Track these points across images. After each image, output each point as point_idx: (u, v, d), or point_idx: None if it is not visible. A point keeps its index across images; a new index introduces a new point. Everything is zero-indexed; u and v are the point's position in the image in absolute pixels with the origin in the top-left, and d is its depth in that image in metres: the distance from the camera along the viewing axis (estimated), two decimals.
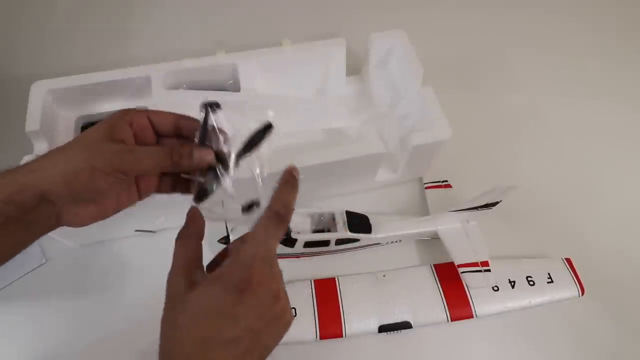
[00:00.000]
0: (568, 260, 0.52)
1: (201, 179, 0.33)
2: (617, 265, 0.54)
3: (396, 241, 0.53)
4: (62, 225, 0.31)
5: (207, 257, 0.54)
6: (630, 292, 0.53)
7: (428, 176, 0.60)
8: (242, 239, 0.32)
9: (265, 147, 0.33)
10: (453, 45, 0.76)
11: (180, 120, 0.33)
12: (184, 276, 0.28)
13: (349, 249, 0.51)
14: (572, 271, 0.51)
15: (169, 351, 0.26)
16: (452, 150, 0.54)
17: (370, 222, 0.51)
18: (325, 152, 0.48)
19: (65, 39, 0.75)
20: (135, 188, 0.34)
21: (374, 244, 0.52)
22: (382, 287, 0.50)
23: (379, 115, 0.58)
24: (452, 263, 0.49)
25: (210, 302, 0.26)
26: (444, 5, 0.81)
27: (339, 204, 0.52)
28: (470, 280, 0.48)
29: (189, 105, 0.35)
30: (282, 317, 0.29)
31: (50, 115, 0.51)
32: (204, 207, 0.33)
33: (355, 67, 0.61)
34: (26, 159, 0.46)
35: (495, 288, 0.50)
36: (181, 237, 0.31)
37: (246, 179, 0.33)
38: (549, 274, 0.51)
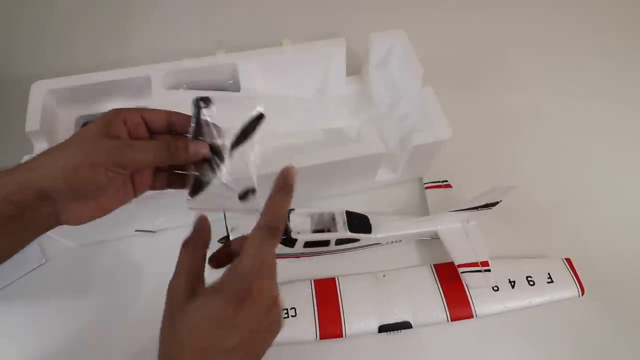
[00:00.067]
0: (568, 260, 0.52)
1: (196, 173, 0.33)
2: (617, 265, 0.54)
3: (396, 241, 0.53)
4: (61, 224, 0.32)
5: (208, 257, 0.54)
6: (630, 292, 0.53)
7: (428, 176, 0.60)
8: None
9: (258, 136, 0.34)
10: (453, 45, 0.76)
11: (173, 117, 0.34)
12: (187, 284, 0.29)
13: (349, 249, 0.51)
14: (572, 271, 0.51)
15: None
16: (452, 150, 0.54)
17: (370, 222, 0.51)
18: (325, 152, 0.48)
19: (65, 39, 0.75)
20: (131, 185, 0.34)
21: (374, 244, 0.52)
22: (382, 287, 0.50)
23: (379, 115, 0.58)
24: (452, 263, 0.49)
25: (211, 312, 0.27)
26: (444, 5, 0.81)
27: (339, 204, 0.52)
28: (470, 280, 0.48)
29: (189, 105, 0.35)
30: (278, 322, 0.30)
31: (50, 115, 0.51)
32: (199, 199, 0.34)
33: (355, 67, 0.61)
34: (26, 159, 0.46)
35: (495, 288, 0.50)
36: (188, 245, 0.31)
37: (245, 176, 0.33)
38: (549, 274, 0.51)
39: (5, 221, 0.29)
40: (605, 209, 0.59)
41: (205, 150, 0.33)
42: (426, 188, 0.58)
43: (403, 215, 0.57)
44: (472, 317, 0.49)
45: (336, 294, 0.50)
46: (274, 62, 0.56)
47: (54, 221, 0.31)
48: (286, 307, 0.48)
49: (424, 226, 0.52)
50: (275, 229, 0.30)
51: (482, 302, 0.49)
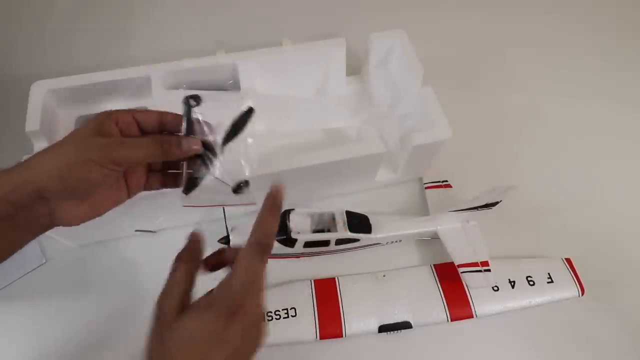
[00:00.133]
0: (568, 260, 0.52)
1: (189, 170, 0.34)
2: (617, 265, 0.54)
3: (396, 241, 0.53)
4: (56, 225, 0.32)
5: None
6: (630, 292, 0.53)
7: (428, 176, 0.60)
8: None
9: (249, 130, 0.35)
10: (453, 45, 0.76)
11: (164, 117, 0.35)
12: (179, 301, 0.28)
13: (349, 249, 0.51)
14: (572, 271, 0.51)
15: None
16: (452, 150, 0.54)
17: (370, 222, 0.51)
18: (325, 152, 0.48)
19: (65, 39, 0.75)
20: (125, 185, 0.34)
21: (374, 244, 0.52)
22: (382, 287, 0.50)
23: (379, 115, 0.58)
24: (452, 263, 0.49)
25: (203, 328, 0.27)
26: (444, 5, 0.81)
27: (339, 204, 0.52)
28: (470, 280, 0.48)
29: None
30: (263, 334, 0.30)
31: (50, 115, 0.51)
32: (194, 196, 0.35)
33: (355, 67, 0.61)
34: (26, 159, 0.46)
35: (495, 288, 0.50)
36: (181, 260, 0.31)
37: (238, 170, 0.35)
38: (549, 274, 0.51)
39: (2, 221, 0.29)
40: (605, 209, 0.59)
41: (197, 146, 0.34)
42: (426, 188, 0.58)
43: (403, 215, 0.57)
44: (472, 317, 0.49)
45: (336, 294, 0.50)
46: (274, 62, 0.56)
47: (49, 222, 0.31)
48: (286, 307, 0.48)
49: (424, 226, 0.52)
50: (266, 246, 0.30)
51: (482, 302, 0.49)
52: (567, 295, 0.50)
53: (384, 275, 0.51)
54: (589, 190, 0.61)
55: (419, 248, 0.55)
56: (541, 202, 0.58)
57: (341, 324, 0.47)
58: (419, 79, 0.53)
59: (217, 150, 0.35)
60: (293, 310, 0.48)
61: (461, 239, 0.51)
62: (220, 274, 0.31)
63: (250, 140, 0.37)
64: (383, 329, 0.48)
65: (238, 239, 0.49)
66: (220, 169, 0.35)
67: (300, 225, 0.49)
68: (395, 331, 0.48)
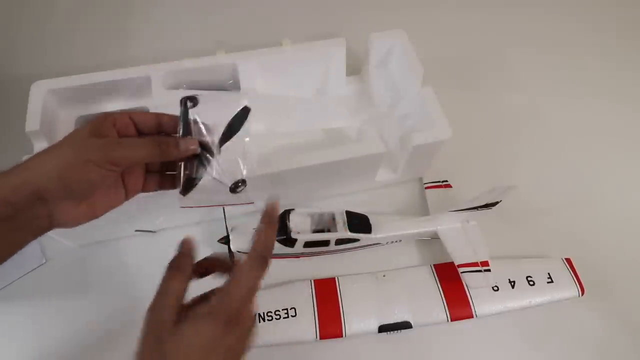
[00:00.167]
0: (568, 260, 0.52)
1: (186, 171, 0.34)
2: (617, 265, 0.54)
3: (396, 241, 0.53)
4: (55, 227, 0.32)
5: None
6: (630, 292, 0.53)
7: (428, 176, 0.60)
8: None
9: (247, 129, 0.35)
10: (453, 45, 0.76)
11: (161, 118, 0.35)
12: (174, 308, 0.29)
13: (349, 249, 0.51)
14: (572, 271, 0.51)
15: None
16: (452, 150, 0.54)
17: (370, 222, 0.51)
18: (325, 152, 0.48)
19: (65, 39, 0.75)
20: (122, 187, 0.35)
21: (374, 244, 0.52)
22: (382, 287, 0.50)
23: (379, 115, 0.58)
24: (452, 263, 0.49)
25: (202, 336, 0.27)
26: (444, 5, 0.81)
27: (339, 204, 0.52)
28: (470, 280, 0.48)
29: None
30: (254, 337, 0.32)
31: (50, 115, 0.51)
32: (191, 197, 0.35)
33: (355, 67, 0.61)
34: (26, 159, 0.46)
35: (495, 288, 0.50)
36: (173, 268, 0.31)
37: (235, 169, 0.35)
38: (549, 274, 0.51)
39: (1, 223, 0.29)
40: (605, 209, 0.59)
41: (194, 146, 0.34)
42: (426, 188, 0.58)
43: (403, 215, 0.57)
44: (472, 317, 0.49)
45: (336, 294, 0.50)
46: (274, 62, 0.56)
47: (48, 223, 0.31)
48: (286, 307, 0.48)
49: (424, 226, 0.52)
50: (265, 257, 0.31)
51: (482, 302, 0.49)
52: (567, 295, 0.50)
53: (384, 275, 0.51)
54: (588, 190, 0.61)
55: (419, 248, 0.55)
56: (541, 202, 0.58)
57: (341, 324, 0.47)
58: (419, 79, 0.53)
59: (215, 150, 0.35)
60: (293, 310, 0.48)
61: (461, 239, 0.51)
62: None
63: (247, 139, 0.37)
64: (383, 329, 0.48)
65: (238, 239, 0.49)
66: (218, 169, 0.35)
67: (300, 225, 0.49)
68: (395, 331, 0.48)
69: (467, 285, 0.50)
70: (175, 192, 0.36)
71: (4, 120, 0.62)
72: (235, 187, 0.37)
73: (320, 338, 0.47)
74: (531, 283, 0.51)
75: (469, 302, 0.49)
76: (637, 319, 0.51)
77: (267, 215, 0.32)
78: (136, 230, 0.53)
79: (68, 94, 0.53)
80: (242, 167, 0.36)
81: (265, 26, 0.76)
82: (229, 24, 0.77)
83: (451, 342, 0.49)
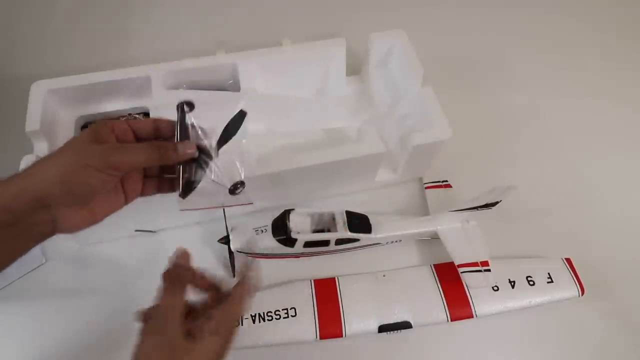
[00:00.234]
0: (568, 260, 0.52)
1: (185, 175, 0.35)
2: (617, 265, 0.54)
3: (396, 241, 0.53)
4: (57, 233, 0.32)
5: (208, 257, 0.54)
6: (630, 292, 0.53)
7: (428, 176, 0.60)
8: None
9: (242, 132, 0.36)
10: (453, 45, 0.76)
11: (159, 123, 0.36)
12: (182, 323, 0.31)
13: (349, 249, 0.51)
14: (572, 271, 0.51)
15: None
16: (452, 150, 0.54)
17: (370, 222, 0.51)
18: (325, 152, 0.48)
19: (65, 39, 0.75)
20: (122, 191, 0.35)
21: (374, 244, 0.52)
22: (382, 287, 0.50)
23: (379, 115, 0.58)
24: (452, 263, 0.49)
25: (210, 352, 0.31)
26: (444, 5, 0.81)
27: (339, 204, 0.52)
28: (470, 280, 0.48)
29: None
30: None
31: (50, 115, 0.51)
32: (190, 199, 0.36)
33: (355, 67, 0.61)
34: (26, 158, 0.46)
35: (495, 288, 0.50)
36: (176, 282, 0.33)
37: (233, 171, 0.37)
38: (549, 274, 0.51)
39: (3, 229, 0.29)
40: (605, 209, 0.59)
41: (192, 150, 0.35)
42: (426, 188, 0.58)
43: (403, 215, 0.57)
44: (472, 317, 0.49)
45: (336, 294, 0.50)
46: (274, 62, 0.56)
47: (50, 229, 0.32)
48: (286, 307, 0.48)
49: (424, 226, 0.52)
50: (256, 287, 0.36)
51: (482, 302, 0.49)
52: (567, 295, 0.50)
53: (384, 275, 0.51)
54: (588, 190, 0.61)
55: (419, 248, 0.55)
56: (541, 202, 0.58)
57: (341, 324, 0.47)
58: (419, 79, 0.53)
59: (213, 153, 0.36)
60: (293, 310, 0.48)
61: (461, 239, 0.51)
62: None
63: (244, 141, 0.38)
64: (383, 329, 0.48)
65: (238, 239, 0.49)
66: (216, 171, 0.36)
67: (300, 225, 0.49)
68: (395, 331, 0.48)
69: (467, 285, 0.50)
70: (174, 195, 0.37)
71: (4, 120, 0.62)
72: (234, 189, 0.37)
73: (320, 338, 0.47)
74: (531, 283, 0.51)
75: (469, 302, 0.49)
76: (637, 319, 0.51)
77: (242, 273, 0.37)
78: (136, 230, 0.53)
79: (68, 94, 0.53)
80: (240, 169, 0.37)
81: (265, 26, 0.76)
82: (229, 24, 0.77)
83: (451, 342, 0.49)
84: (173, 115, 0.36)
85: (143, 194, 0.37)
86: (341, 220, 0.49)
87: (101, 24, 0.78)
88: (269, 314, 0.48)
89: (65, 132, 0.53)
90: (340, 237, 0.49)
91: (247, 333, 0.46)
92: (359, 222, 0.50)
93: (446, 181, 0.59)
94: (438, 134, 0.50)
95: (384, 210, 0.58)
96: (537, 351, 0.49)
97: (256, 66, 0.55)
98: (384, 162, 0.55)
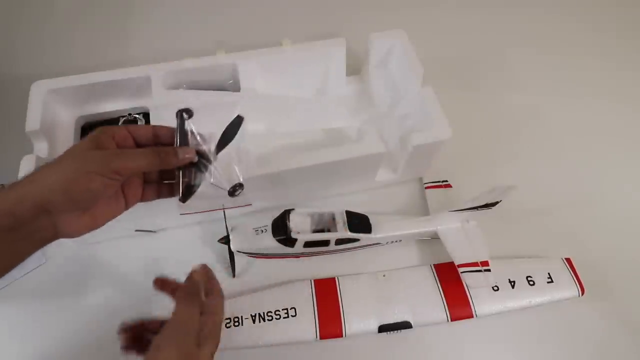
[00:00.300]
0: (568, 260, 0.52)
1: (185, 179, 0.36)
2: (617, 265, 0.54)
3: (396, 241, 0.53)
4: (58, 238, 0.33)
5: (210, 258, 0.54)
6: (630, 292, 0.53)
7: (428, 176, 0.60)
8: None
9: (240, 136, 0.38)
10: (453, 45, 0.76)
11: (158, 130, 0.36)
12: (196, 336, 0.34)
13: (349, 249, 0.51)
14: (572, 271, 0.51)
15: None
16: (452, 150, 0.54)
17: (370, 222, 0.51)
18: (325, 152, 0.48)
19: (65, 39, 0.75)
20: (122, 197, 0.36)
21: (374, 244, 0.52)
22: (382, 287, 0.50)
23: (379, 115, 0.58)
24: (452, 263, 0.49)
25: (209, 355, 0.34)
26: (444, 5, 0.81)
27: (339, 204, 0.52)
28: (470, 280, 0.48)
29: (189, 106, 0.36)
30: None
31: (50, 115, 0.51)
32: (190, 203, 0.37)
33: (355, 67, 0.61)
34: (26, 158, 0.46)
35: (495, 288, 0.50)
36: (189, 296, 0.36)
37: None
38: (549, 274, 0.51)
39: (5, 234, 0.30)
40: (605, 209, 0.59)
41: (192, 155, 0.36)
42: (426, 188, 0.58)
43: (403, 215, 0.57)
44: (472, 317, 0.49)
45: (336, 294, 0.50)
46: (274, 62, 0.56)
47: (51, 234, 0.32)
48: (286, 307, 0.48)
49: (424, 226, 0.52)
50: (223, 297, 0.39)
51: (482, 302, 0.49)
52: (567, 295, 0.50)
53: (384, 275, 0.51)
54: (588, 190, 0.61)
55: (419, 248, 0.55)
56: (541, 202, 0.58)
57: (341, 324, 0.47)
58: (419, 79, 0.53)
59: (211, 157, 0.37)
60: (293, 310, 0.48)
61: (461, 239, 0.51)
62: None
63: (242, 143, 0.39)
64: (383, 329, 0.48)
65: (238, 239, 0.49)
66: (216, 175, 0.37)
67: (300, 225, 0.49)
68: (395, 331, 0.48)
69: (467, 285, 0.50)
70: (174, 198, 0.37)
71: (4, 120, 0.62)
72: (233, 191, 0.38)
73: (320, 338, 0.47)
74: (531, 283, 0.51)
75: (469, 302, 0.49)
76: (637, 319, 0.51)
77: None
78: (136, 230, 0.53)
79: (68, 94, 0.53)
80: (238, 171, 0.38)
81: (265, 26, 0.76)
82: (229, 24, 0.77)
83: (451, 342, 0.49)
84: (173, 115, 0.37)
85: (143, 199, 0.37)
86: (341, 220, 0.49)
87: (101, 24, 0.78)
88: (269, 314, 0.48)
89: (65, 132, 0.53)
90: (340, 237, 0.49)
91: (247, 333, 0.46)
92: (359, 222, 0.50)
93: (446, 181, 0.59)
94: (438, 134, 0.50)
95: (384, 210, 0.58)
96: (537, 351, 0.49)
97: (256, 66, 0.55)
98: (384, 162, 0.55)
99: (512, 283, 0.51)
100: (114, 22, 0.78)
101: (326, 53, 0.56)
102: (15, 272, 0.51)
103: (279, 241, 0.48)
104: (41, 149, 0.48)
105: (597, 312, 0.51)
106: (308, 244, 0.49)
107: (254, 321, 0.47)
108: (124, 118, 0.56)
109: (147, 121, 0.55)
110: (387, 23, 0.58)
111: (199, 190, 0.37)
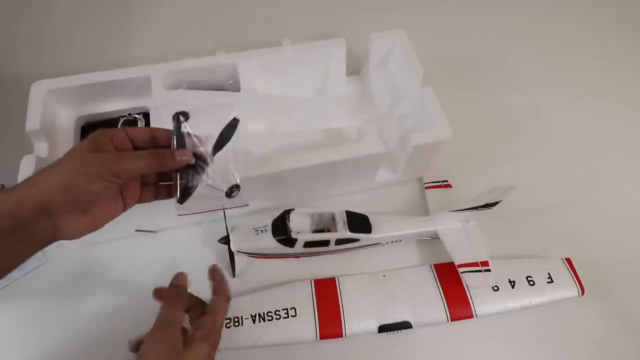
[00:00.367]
0: (568, 260, 0.52)
1: (182, 180, 0.37)
2: (617, 265, 0.54)
3: (396, 241, 0.53)
4: (58, 239, 0.33)
5: (210, 258, 0.54)
6: (630, 292, 0.53)
7: (428, 176, 0.60)
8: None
9: (237, 138, 0.38)
10: (453, 45, 0.76)
11: (155, 132, 0.37)
12: (182, 336, 0.35)
13: (349, 249, 0.51)
14: (572, 271, 0.51)
15: None
16: (452, 150, 0.54)
17: (370, 222, 0.51)
18: (325, 152, 0.48)
19: (65, 39, 0.75)
20: (121, 198, 0.36)
21: (374, 244, 0.52)
22: (382, 287, 0.50)
23: (379, 115, 0.58)
24: (452, 263, 0.49)
25: (203, 355, 0.35)
26: (444, 5, 0.81)
27: (339, 204, 0.52)
28: (470, 280, 0.48)
29: (189, 105, 0.36)
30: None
31: (50, 115, 0.51)
32: (188, 204, 0.37)
33: (355, 67, 0.61)
34: (26, 158, 0.46)
35: (495, 288, 0.50)
36: (177, 300, 0.37)
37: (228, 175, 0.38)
38: (549, 274, 0.51)
39: (6, 236, 0.30)
40: (605, 209, 0.59)
41: (189, 157, 0.36)
42: (426, 188, 0.58)
43: (403, 215, 0.57)
44: (472, 317, 0.49)
45: (336, 294, 0.50)
46: (274, 62, 0.56)
47: (51, 236, 0.32)
48: (286, 307, 0.48)
49: (424, 226, 0.52)
50: (229, 298, 0.41)
51: (482, 302, 0.49)
52: (567, 295, 0.50)
53: (384, 275, 0.51)
54: (588, 190, 0.61)
55: (419, 248, 0.55)
56: (541, 202, 0.58)
57: (341, 324, 0.47)
58: (419, 79, 0.53)
59: (208, 159, 0.37)
60: (293, 310, 0.48)
61: (461, 239, 0.51)
62: None
63: (240, 144, 0.39)
64: (383, 329, 0.48)
65: (238, 239, 0.49)
66: (213, 176, 0.37)
67: (300, 225, 0.49)
68: (395, 331, 0.48)
69: (467, 285, 0.50)
70: (172, 199, 0.38)
71: (4, 120, 0.62)
72: (230, 192, 0.39)
73: (320, 338, 0.47)
74: (531, 283, 0.51)
75: (469, 302, 0.49)
76: (637, 319, 0.51)
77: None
78: (136, 230, 0.53)
79: (68, 94, 0.53)
80: (235, 172, 0.39)
81: (265, 26, 0.76)
82: (229, 24, 0.77)
83: (451, 342, 0.49)
84: (172, 115, 0.37)
85: (141, 200, 0.38)
86: (341, 220, 0.49)
87: (101, 24, 0.78)
88: (269, 314, 0.48)
89: (65, 132, 0.53)
90: (340, 237, 0.49)
91: (247, 333, 0.47)
92: (359, 222, 0.50)
93: (446, 181, 0.59)
94: (438, 134, 0.50)
95: (384, 210, 0.58)
96: (537, 351, 0.49)
97: (256, 66, 0.55)
98: (384, 162, 0.55)
99: (512, 283, 0.51)
100: (114, 22, 0.78)
101: (326, 53, 0.56)
102: (15, 273, 0.50)
103: (279, 241, 0.48)
104: (41, 149, 0.48)
105: (597, 312, 0.51)
106: (308, 244, 0.49)
107: (254, 321, 0.47)
108: (124, 118, 0.56)
109: (147, 121, 0.55)
110: (387, 23, 0.58)
111: (196, 191, 0.37)
